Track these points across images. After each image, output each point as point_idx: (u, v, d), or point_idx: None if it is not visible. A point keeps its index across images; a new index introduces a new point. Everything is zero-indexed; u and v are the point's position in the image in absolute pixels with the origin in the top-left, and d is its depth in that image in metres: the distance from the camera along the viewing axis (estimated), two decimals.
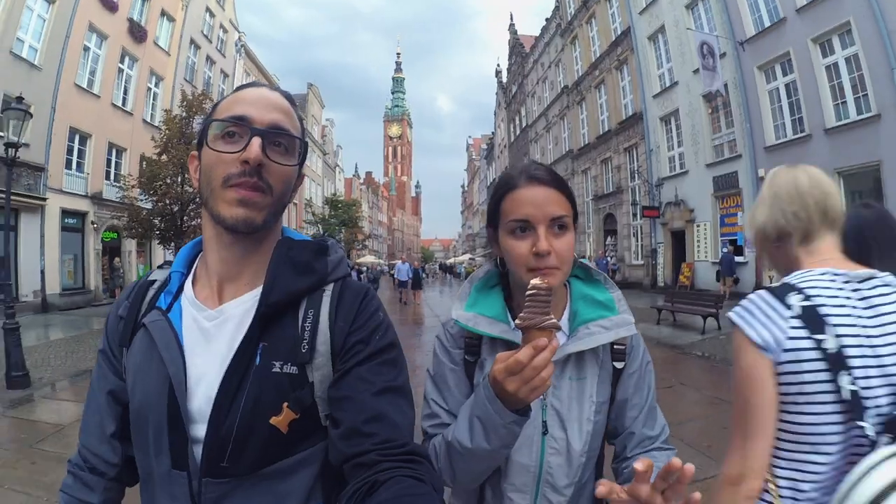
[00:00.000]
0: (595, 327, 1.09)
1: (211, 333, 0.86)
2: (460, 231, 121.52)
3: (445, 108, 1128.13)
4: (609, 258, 22.54)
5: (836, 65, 13.56)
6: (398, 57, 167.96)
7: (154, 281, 0.96)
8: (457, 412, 1.06)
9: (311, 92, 48.13)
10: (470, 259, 59.11)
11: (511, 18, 47.54)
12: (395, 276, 23.92)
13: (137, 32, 20.24)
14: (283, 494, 0.84)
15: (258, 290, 0.88)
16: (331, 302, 0.89)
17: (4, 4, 13.98)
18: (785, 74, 15.06)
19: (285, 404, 0.82)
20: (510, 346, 1.05)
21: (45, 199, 15.33)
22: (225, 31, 29.65)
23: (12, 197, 12.91)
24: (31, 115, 8.66)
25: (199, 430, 0.81)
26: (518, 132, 43.85)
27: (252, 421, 0.80)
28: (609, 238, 25.98)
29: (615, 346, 1.13)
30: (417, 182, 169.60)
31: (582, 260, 1.21)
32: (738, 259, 15.92)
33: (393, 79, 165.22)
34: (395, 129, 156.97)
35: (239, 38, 31.60)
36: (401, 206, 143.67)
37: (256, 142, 0.81)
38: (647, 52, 21.58)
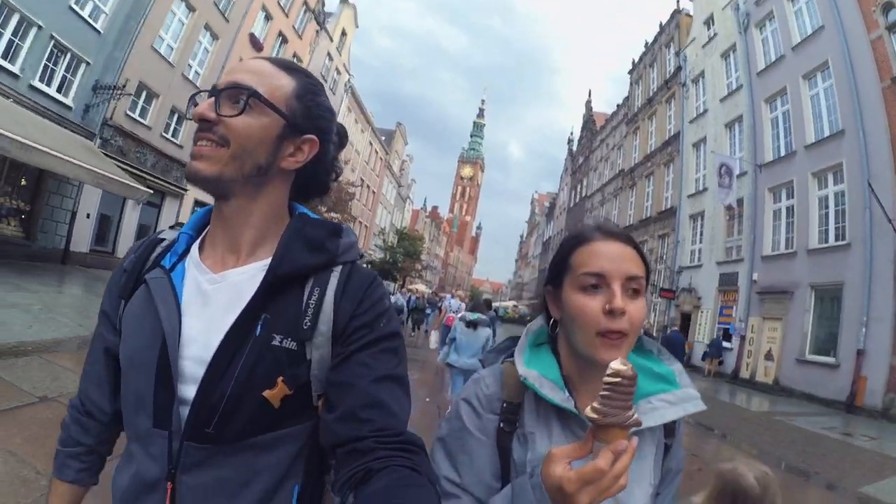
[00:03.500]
0: (658, 402, 0.95)
1: (210, 296, 0.87)
2: (511, 278, 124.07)
3: (516, 155, 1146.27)
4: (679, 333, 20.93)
5: (826, 197, 16.32)
6: (482, 104, 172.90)
7: (163, 240, 0.97)
8: (477, 495, 0.91)
9: (399, 130, 53.40)
10: (514, 305, 61.47)
11: (589, 95, 51.74)
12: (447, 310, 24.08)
13: None
14: (261, 468, 0.84)
15: (263, 262, 0.88)
16: (338, 283, 0.89)
17: (181, 37, 18.46)
18: (788, 198, 17.88)
19: (280, 378, 0.82)
20: (563, 417, 0.93)
21: (186, 190, 19.68)
22: (339, 73, 34.69)
23: (161, 182, 17.53)
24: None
25: (187, 390, 0.82)
26: (578, 199, 47.19)
27: (244, 390, 0.81)
28: None
29: (666, 423, 0.97)
30: (479, 223, 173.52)
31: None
32: (725, 345, 18.64)
33: (474, 123, 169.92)
34: (467, 171, 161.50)
35: (348, 80, 36.71)
36: (459, 244, 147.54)
37: (206, 100, 0.84)
38: (690, 156, 24.82)
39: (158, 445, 0.82)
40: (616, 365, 0.69)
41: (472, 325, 6.77)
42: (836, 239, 15.58)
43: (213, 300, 0.87)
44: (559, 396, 0.92)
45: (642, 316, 0.90)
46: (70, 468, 0.98)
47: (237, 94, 0.84)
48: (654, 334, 25.14)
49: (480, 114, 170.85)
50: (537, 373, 0.95)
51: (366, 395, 0.81)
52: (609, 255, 0.91)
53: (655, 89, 30.83)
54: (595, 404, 0.69)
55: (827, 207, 16.25)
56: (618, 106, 38.57)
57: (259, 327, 0.83)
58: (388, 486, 0.69)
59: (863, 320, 13.83)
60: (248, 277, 0.87)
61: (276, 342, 0.83)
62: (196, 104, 0.88)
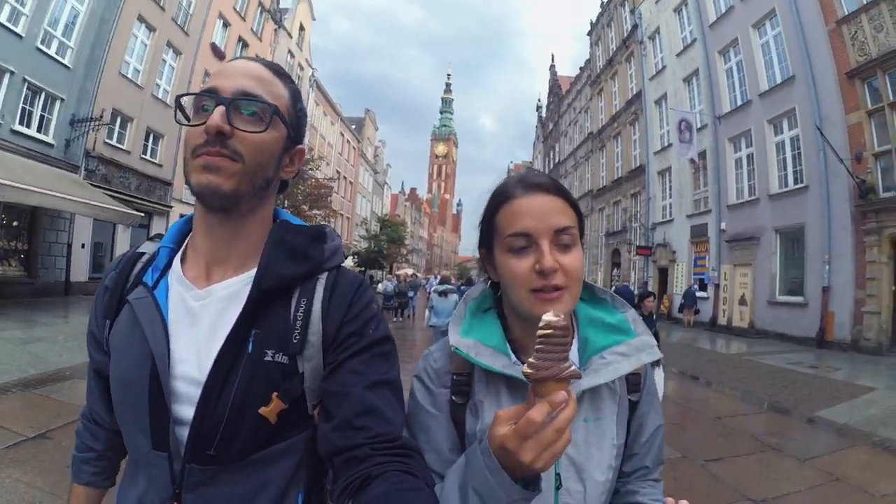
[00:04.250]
0: (611, 355, 0.93)
1: (197, 313, 0.86)
2: None
3: (488, 126, 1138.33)
4: (629, 285, 23.25)
5: (783, 143, 17.16)
6: (448, 78, 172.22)
7: (143, 254, 0.95)
8: (439, 470, 0.88)
9: (368, 117, 53.55)
10: (482, 280, 62.13)
11: (552, 60, 51.98)
12: (428, 289, 23.91)
13: None
14: (265, 482, 0.83)
15: (248, 274, 0.87)
16: (324, 291, 0.88)
17: (146, 59, 18.70)
18: (748, 147, 18.72)
19: (275, 394, 0.81)
20: (511, 383, 0.91)
21: (170, 207, 20.17)
22: (301, 68, 34.76)
23: (147, 202, 18.05)
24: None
25: (183, 411, 0.81)
26: (552, 166, 47.89)
27: (242, 409, 0.80)
28: (615, 270, 29.95)
29: (629, 376, 0.97)
30: (459, 200, 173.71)
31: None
32: (700, 294, 19.72)
33: (442, 99, 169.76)
34: (441, 149, 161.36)
35: (312, 74, 36.80)
36: (441, 223, 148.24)
37: (218, 110, 0.80)
38: (653, 113, 25.58)
39: (160, 467, 0.81)
40: (547, 317, 0.67)
41: (442, 294, 9.61)
42: (795, 182, 16.43)
43: (200, 318, 0.85)
44: (500, 362, 0.91)
45: (578, 266, 0.87)
46: (85, 472, 1.02)
47: (250, 106, 0.83)
48: (636, 291, 26.34)
49: (448, 89, 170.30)
50: (474, 340, 0.94)
51: (360, 402, 0.81)
52: (533, 212, 0.88)
53: (615, 49, 31.33)
54: (530, 360, 0.67)
55: (784, 153, 17.07)
56: (580, 69, 39.10)
57: (251, 344, 0.82)
58: (387, 492, 0.70)
59: (825, 258, 14.72)
60: (233, 292, 0.86)
61: (268, 358, 0.82)
62: (182, 107, 0.87)
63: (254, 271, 0.86)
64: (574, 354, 0.97)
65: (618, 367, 0.92)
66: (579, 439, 0.92)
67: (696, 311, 19.47)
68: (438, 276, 20.15)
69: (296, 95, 0.94)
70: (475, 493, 0.72)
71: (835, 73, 14.81)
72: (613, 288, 19.14)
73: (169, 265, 0.92)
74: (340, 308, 0.88)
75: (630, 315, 1.01)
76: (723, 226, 19.11)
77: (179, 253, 0.94)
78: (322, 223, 1.39)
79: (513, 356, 0.94)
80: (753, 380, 9.77)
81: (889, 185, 13.30)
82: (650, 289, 24.12)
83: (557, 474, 0.91)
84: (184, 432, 0.81)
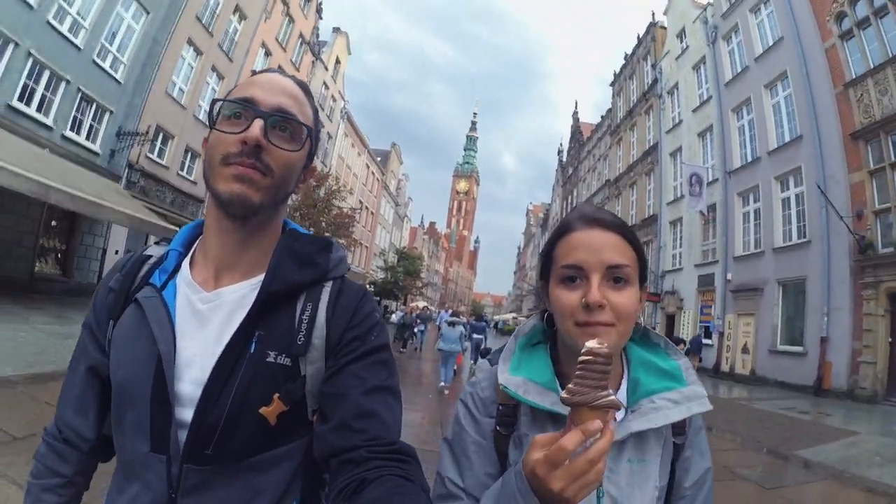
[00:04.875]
0: (661, 401, 0.92)
1: (204, 316, 0.87)
2: (511, 290, 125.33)
3: (509, 165, 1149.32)
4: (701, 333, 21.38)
5: (788, 199, 17.80)
6: (474, 117, 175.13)
7: (150, 256, 0.96)
8: (476, 495, 0.91)
9: (394, 150, 55.10)
10: (514, 318, 62.40)
11: (576, 106, 53.30)
12: (438, 321, 24.47)
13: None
14: (262, 487, 0.84)
15: (256, 279, 0.89)
16: (329, 298, 0.91)
17: (191, 80, 19.99)
18: (755, 202, 19.36)
19: (276, 395, 0.83)
20: (557, 421, 0.89)
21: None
22: (334, 100, 36.29)
23: (180, 216, 19.14)
24: None
25: (185, 413, 0.81)
26: (570, 209, 48.68)
27: (241, 409, 0.81)
28: None
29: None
30: (477, 238, 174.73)
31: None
32: (705, 342, 20.07)
33: (467, 136, 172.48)
34: (462, 185, 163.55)
35: (344, 107, 38.36)
36: (458, 259, 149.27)
37: (257, 123, 0.82)
38: (668, 165, 26.42)
39: (157, 470, 0.81)
40: (590, 344, 0.68)
41: (451, 324, 11.89)
42: (798, 237, 17.02)
43: (207, 320, 0.86)
44: (549, 400, 0.90)
45: (630, 305, 0.86)
46: (45, 503, 0.92)
47: (284, 123, 0.86)
48: None
49: (473, 127, 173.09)
50: (524, 378, 0.93)
51: (358, 405, 0.82)
52: (588, 246, 0.88)
53: (635, 101, 32.52)
54: (569, 385, 0.67)
55: (789, 208, 17.72)
56: (602, 117, 40.27)
57: (253, 344, 0.83)
58: (381, 496, 0.70)
59: (824, 310, 15.19)
60: (241, 296, 0.88)
61: (270, 359, 0.83)
62: (218, 112, 0.88)
63: (261, 277, 0.89)
64: (622, 394, 0.95)
65: (668, 414, 0.91)
66: (622, 481, 0.91)
67: (700, 359, 19.80)
68: (450, 310, 21.35)
69: (317, 116, 0.98)
70: None
71: (840, 133, 15.52)
72: (692, 338, 19.32)
73: (177, 268, 0.93)
74: (345, 315, 0.90)
75: (683, 363, 1.00)
76: (729, 276, 19.62)
77: (188, 257, 0.95)
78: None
79: (561, 392, 0.89)
80: (742, 421, 10.12)
81: (888, 242, 13.85)
82: (682, 337, 24.56)
83: None
84: (185, 433, 0.81)
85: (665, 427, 0.94)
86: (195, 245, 0.97)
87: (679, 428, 0.97)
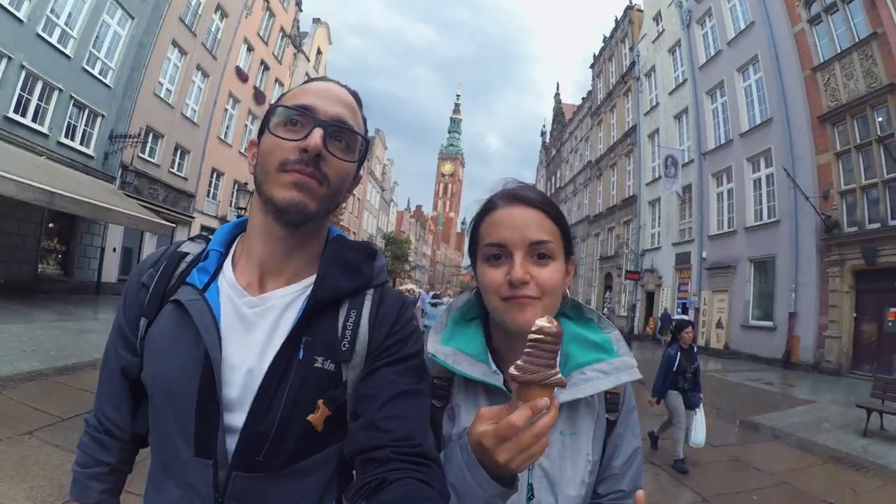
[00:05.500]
0: (592, 372, 0.95)
1: (251, 321, 0.86)
2: None
3: (494, 146, 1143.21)
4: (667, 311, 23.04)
5: (759, 180, 18.59)
6: (458, 99, 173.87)
7: (186, 254, 0.94)
8: None
9: (378, 136, 55.30)
10: (469, 291, 63.04)
11: (557, 88, 54.47)
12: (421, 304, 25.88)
13: (259, 97, 26.95)
14: (304, 491, 0.85)
15: (303, 284, 0.90)
16: (371, 305, 0.91)
17: (177, 80, 20.35)
18: (728, 182, 20.19)
19: (321, 401, 0.83)
20: (489, 391, 0.94)
21: (193, 217, 21.74)
22: None
23: (173, 212, 19.62)
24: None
25: (234, 419, 0.81)
26: (553, 190, 49.45)
27: (291, 415, 0.81)
28: (607, 292, 31.38)
29: (608, 395, 1.00)
30: (464, 219, 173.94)
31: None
32: (682, 317, 21.00)
33: (451, 119, 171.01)
34: (448, 167, 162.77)
35: None
36: (445, 241, 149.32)
37: (318, 132, 0.82)
38: (646, 147, 27.22)
39: (201, 475, 0.80)
40: (541, 322, 0.69)
41: (434, 304, 13.64)
42: (769, 217, 17.85)
43: (254, 325, 0.85)
44: (479, 370, 0.93)
45: (554, 279, 0.89)
46: (92, 490, 0.94)
47: (340, 133, 0.86)
48: (625, 313, 27.63)
49: (457, 109, 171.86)
50: (453, 349, 0.96)
51: (388, 406, 0.82)
52: (510, 223, 0.90)
53: (614, 83, 33.19)
54: (517, 362, 0.68)
55: (760, 189, 18.51)
56: (583, 99, 40.90)
57: (301, 351, 0.83)
58: (399, 498, 0.71)
59: (792, 287, 16.06)
60: (287, 302, 0.87)
61: (317, 364, 0.84)
62: (268, 116, 0.87)
63: (307, 282, 0.89)
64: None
65: (597, 384, 0.93)
66: (554, 453, 0.93)
67: (671, 335, 20.75)
68: (431, 293, 23.04)
69: (367, 125, 0.97)
70: (452, 488, 0.77)
71: (808, 116, 16.14)
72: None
73: (219, 269, 0.91)
74: (387, 322, 0.90)
75: (614, 336, 1.02)
76: (704, 254, 20.56)
77: (230, 258, 0.94)
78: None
79: (493, 365, 0.96)
80: (707, 391, 10.92)
81: (853, 221, 14.54)
82: (637, 311, 25.62)
83: (530, 485, 0.92)
84: (232, 440, 0.80)
85: (598, 403, 0.99)
86: (234, 245, 0.96)
87: (612, 405, 1.00)
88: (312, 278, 0.89)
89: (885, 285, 13.59)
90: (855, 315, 14.56)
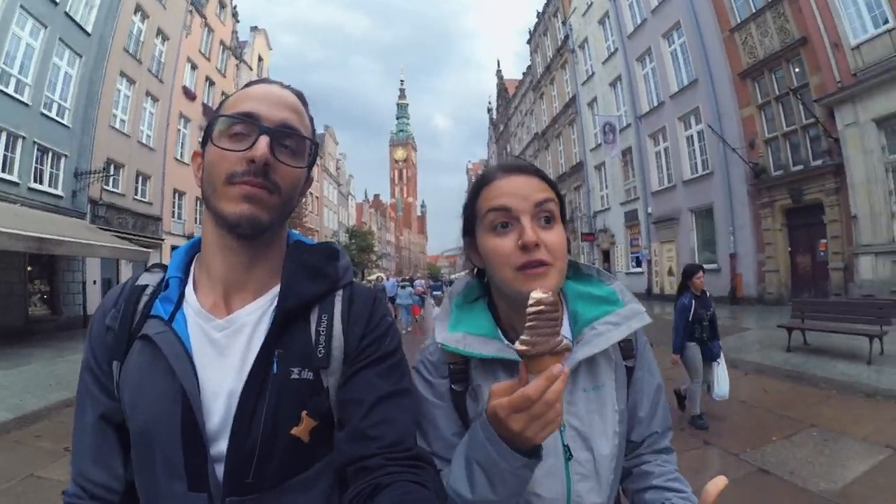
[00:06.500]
0: (602, 326, 0.96)
1: (222, 344, 0.83)
2: (461, 248, 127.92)
3: (442, 126, 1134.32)
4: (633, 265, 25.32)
5: (691, 136, 20.15)
6: (402, 84, 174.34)
7: (145, 286, 0.90)
8: (447, 457, 0.91)
9: (328, 132, 55.57)
10: (466, 273, 64.63)
11: (498, 65, 55.03)
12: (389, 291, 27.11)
13: (208, 113, 26.95)
14: None
15: (268, 296, 0.87)
16: (342, 306, 0.89)
17: (130, 109, 20.67)
18: (664, 141, 21.74)
19: (304, 412, 0.81)
20: (506, 365, 0.94)
21: (162, 239, 22.21)
22: None
23: (143, 237, 20.24)
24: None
25: (220, 446, 0.79)
26: None
27: (274, 430, 0.79)
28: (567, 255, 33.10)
29: (622, 343, 1.00)
30: (423, 202, 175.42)
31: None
32: (637, 269, 22.86)
33: (397, 105, 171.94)
34: (400, 153, 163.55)
35: None
36: (407, 226, 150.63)
37: (264, 140, 0.78)
38: (587, 115, 28.68)
39: None
40: (536, 294, 0.69)
41: (402, 286, 17.48)
42: (703, 169, 19.43)
43: (226, 348, 0.83)
44: (493, 347, 0.93)
45: (561, 241, 0.90)
46: None
47: (287, 139, 0.83)
48: None
49: (402, 94, 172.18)
50: (462, 333, 0.96)
51: (374, 412, 0.81)
52: (513, 190, 0.91)
53: (551, 57, 34.35)
54: (522, 336, 0.69)
55: (693, 145, 20.08)
56: (523, 74, 42.14)
57: (275, 365, 0.81)
58: (395, 502, 0.70)
59: (730, 230, 17.73)
60: (256, 318, 0.85)
61: (294, 376, 0.81)
62: (210, 128, 0.83)
63: (272, 293, 0.87)
64: (566, 329, 0.97)
65: (609, 336, 0.94)
66: (581, 410, 0.94)
67: None
68: (398, 278, 25.45)
69: (314, 125, 0.94)
70: (478, 465, 0.77)
71: (729, 74, 17.54)
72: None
73: (182, 296, 0.88)
74: (360, 321, 0.89)
75: (617, 286, 1.04)
76: (649, 210, 22.24)
77: (190, 282, 0.91)
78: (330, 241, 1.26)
79: (504, 340, 0.96)
80: (657, 329, 12.26)
81: (778, 166, 16.05)
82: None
83: (566, 446, 0.93)
84: (221, 467, 0.78)
85: (614, 352, 1.00)
86: (193, 267, 0.93)
87: (627, 351, 1.02)
88: (278, 288, 0.87)
89: (813, 220, 14.92)
90: (790, 249, 16.07)
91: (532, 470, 0.76)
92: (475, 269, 1.09)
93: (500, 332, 0.98)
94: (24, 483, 4.42)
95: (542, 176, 0.96)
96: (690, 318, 5.49)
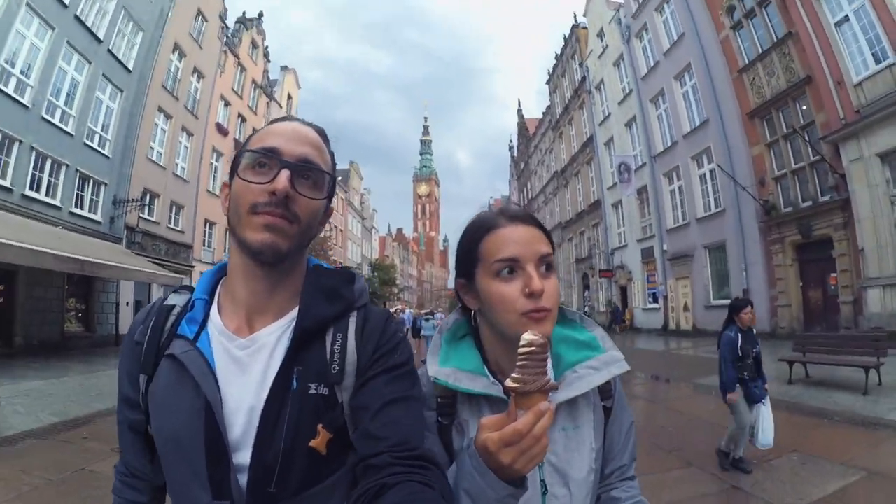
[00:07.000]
0: (583, 370, 1.01)
1: (244, 363, 0.88)
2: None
3: (464, 161, 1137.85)
4: (618, 306, 27.48)
5: (704, 175, 20.61)
6: (425, 121, 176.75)
7: (173, 306, 0.96)
8: None
9: (352, 168, 57.12)
10: (455, 311, 64.86)
11: (519, 104, 56.25)
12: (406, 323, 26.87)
13: (238, 148, 28.54)
14: None
15: (288, 317, 0.92)
16: (356, 327, 0.92)
17: (166, 142, 21.93)
18: (678, 180, 22.24)
19: (320, 426, 0.84)
20: (492, 402, 0.99)
21: (192, 266, 23.23)
22: None
23: (175, 264, 21.19)
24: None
25: (242, 457, 0.83)
26: (527, 201, 51.48)
27: (294, 444, 0.83)
28: (585, 291, 33.39)
29: (601, 385, 1.04)
30: (445, 237, 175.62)
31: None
32: (653, 305, 23.02)
33: (420, 141, 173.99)
34: (423, 189, 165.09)
35: None
36: (429, 260, 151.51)
37: (284, 174, 0.84)
38: (604, 154, 29.42)
39: None
40: (528, 336, 0.74)
41: (426, 319, 19.63)
42: (715, 207, 19.86)
43: (248, 366, 0.88)
44: (480, 384, 0.98)
45: (558, 289, 0.96)
46: None
47: (307, 172, 0.88)
48: (604, 308, 29.49)
49: (426, 131, 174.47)
50: (453, 368, 1.00)
51: (380, 414, 0.84)
52: (518, 240, 0.94)
53: (569, 97, 35.41)
54: (514, 374, 0.73)
55: (706, 183, 20.53)
56: (543, 113, 43.18)
57: (294, 381, 0.85)
58: (400, 502, 0.72)
59: (742, 266, 18.00)
60: (276, 337, 0.90)
61: (311, 391, 0.85)
62: (237, 160, 0.90)
63: (292, 314, 0.91)
64: (549, 370, 1.01)
65: (591, 380, 0.99)
66: (560, 448, 0.99)
67: (624, 323, 23.15)
68: (408, 311, 26.34)
69: (334, 160, 0.99)
70: (466, 493, 0.80)
71: (739, 114, 18.06)
72: (612, 308, 22.31)
73: (206, 317, 0.93)
74: (373, 338, 0.92)
75: (599, 333, 1.10)
76: (665, 247, 22.63)
77: (215, 304, 0.96)
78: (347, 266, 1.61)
79: (491, 377, 1.00)
80: (663, 364, 12.41)
81: (788, 202, 16.37)
82: (614, 305, 27.50)
83: (542, 481, 0.98)
84: (244, 478, 0.83)
85: (593, 394, 1.05)
86: (218, 290, 0.98)
87: (606, 392, 1.08)
88: (297, 310, 0.91)
89: (822, 255, 15.05)
90: (801, 284, 16.22)
91: (517, 499, 0.79)
92: (461, 307, 1.12)
93: (486, 369, 1.02)
94: (78, 475, 4.92)
95: (541, 226, 1.01)
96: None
